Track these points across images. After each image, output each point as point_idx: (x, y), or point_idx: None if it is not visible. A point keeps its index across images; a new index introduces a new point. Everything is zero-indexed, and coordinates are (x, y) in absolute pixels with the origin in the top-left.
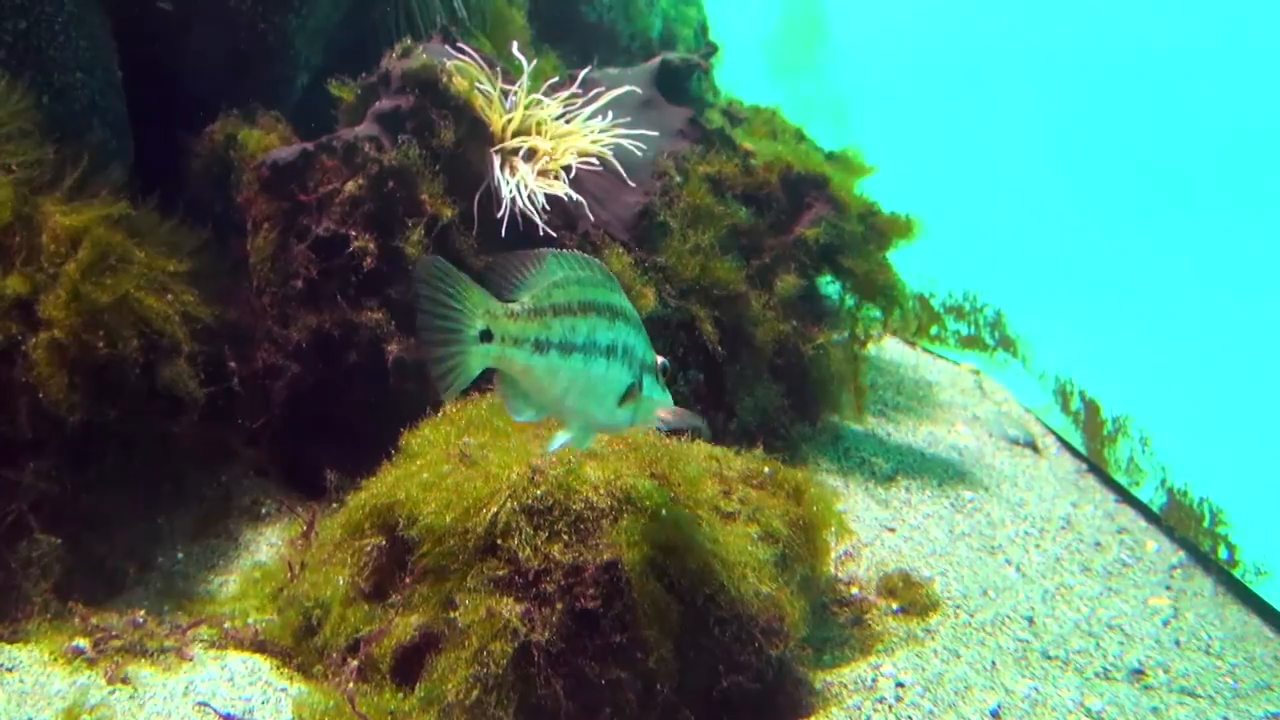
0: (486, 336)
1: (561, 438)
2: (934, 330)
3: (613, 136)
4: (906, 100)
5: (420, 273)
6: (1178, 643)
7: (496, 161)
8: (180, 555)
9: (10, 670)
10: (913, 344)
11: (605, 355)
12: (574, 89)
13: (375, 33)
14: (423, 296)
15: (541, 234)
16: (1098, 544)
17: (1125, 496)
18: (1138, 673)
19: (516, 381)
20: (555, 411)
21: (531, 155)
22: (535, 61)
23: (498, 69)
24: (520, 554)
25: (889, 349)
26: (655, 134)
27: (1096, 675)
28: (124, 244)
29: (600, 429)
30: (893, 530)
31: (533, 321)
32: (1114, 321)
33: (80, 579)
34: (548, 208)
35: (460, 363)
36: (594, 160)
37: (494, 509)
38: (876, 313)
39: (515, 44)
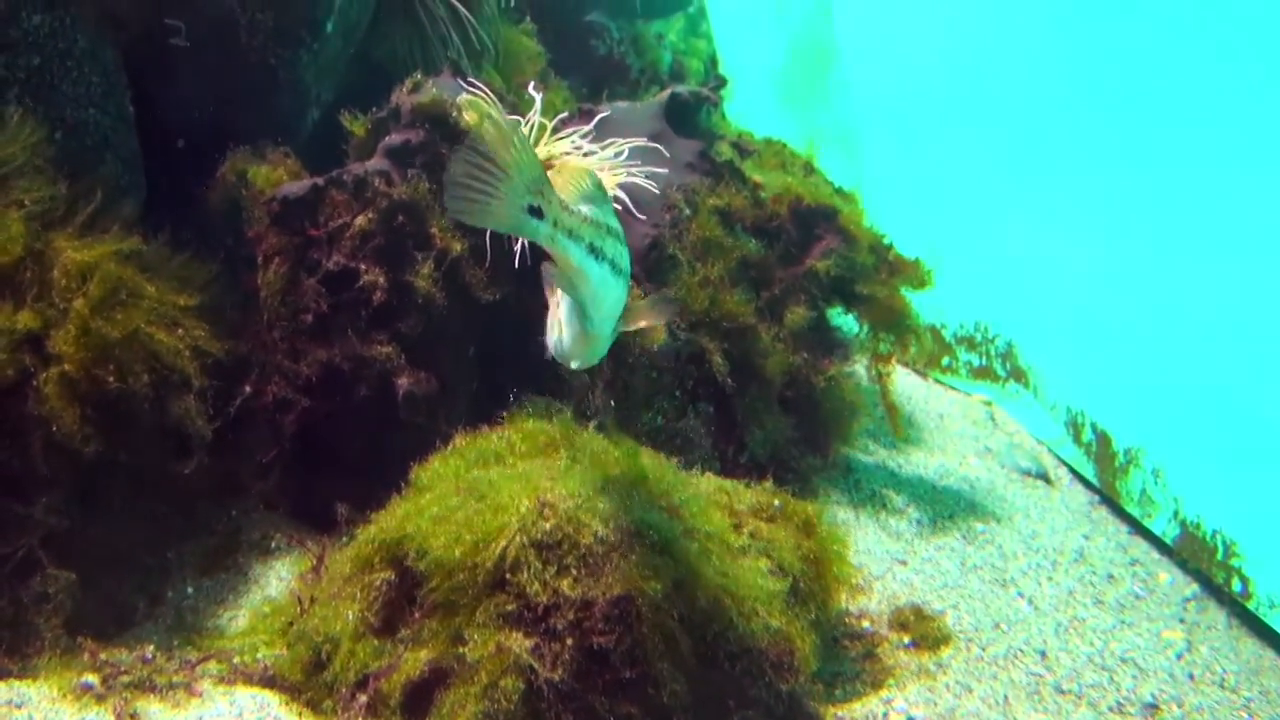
0: (535, 214)
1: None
2: (945, 361)
3: (626, 175)
4: (917, 129)
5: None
6: (1192, 676)
7: None
8: (190, 590)
9: (19, 707)
10: (924, 375)
11: (627, 277)
12: (588, 129)
13: (387, 66)
14: (464, 153)
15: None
16: (1110, 576)
17: (1138, 528)
18: (1152, 707)
19: (570, 284)
20: (587, 327)
21: None
22: (543, 94)
23: (507, 102)
24: (529, 589)
25: (900, 380)
26: (664, 170)
27: (1110, 710)
28: (135, 279)
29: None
30: (904, 563)
31: (589, 226)
32: (1126, 353)
33: (90, 614)
34: None
35: (497, 210)
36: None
37: (503, 543)
38: (891, 339)
39: (531, 83)
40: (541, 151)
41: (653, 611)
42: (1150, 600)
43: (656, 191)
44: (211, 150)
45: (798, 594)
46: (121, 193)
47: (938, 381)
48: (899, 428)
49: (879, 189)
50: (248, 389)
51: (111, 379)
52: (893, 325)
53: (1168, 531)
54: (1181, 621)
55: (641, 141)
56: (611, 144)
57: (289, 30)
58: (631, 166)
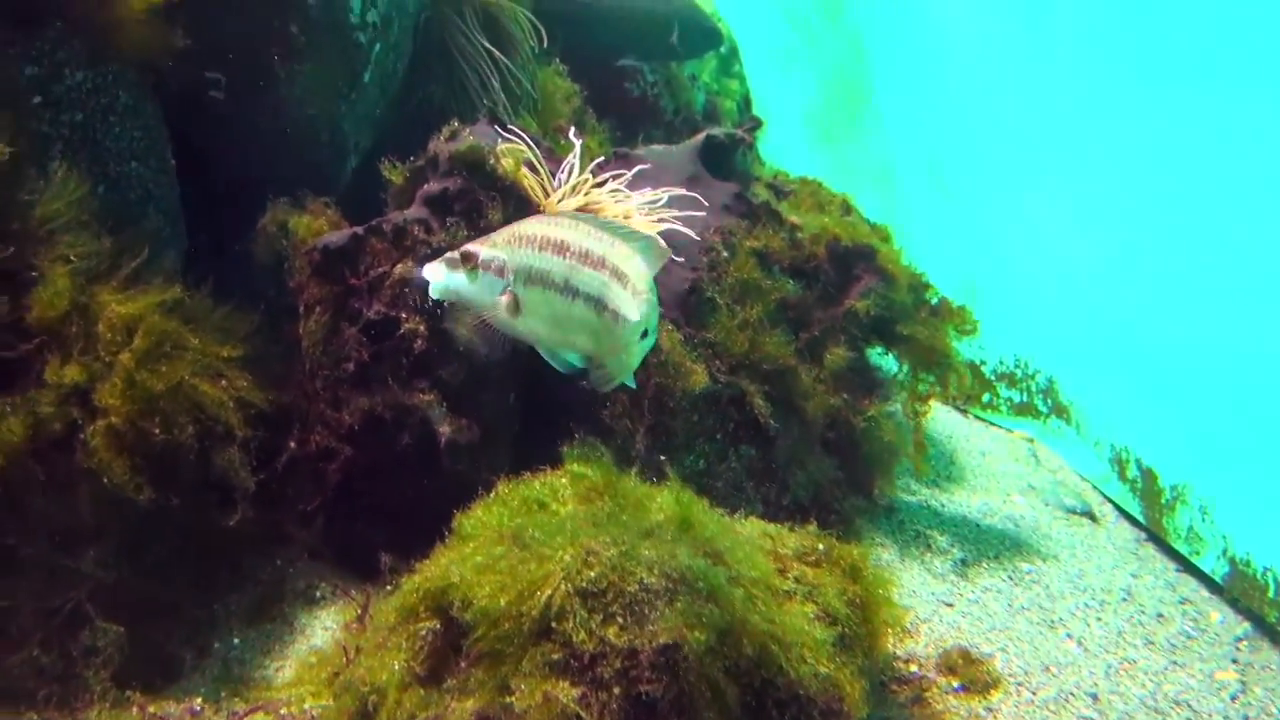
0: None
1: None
2: (986, 398)
3: (662, 221)
4: (952, 164)
5: None
6: (1246, 718)
7: None
8: (236, 641)
9: None
10: (965, 412)
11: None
12: (628, 176)
13: (424, 113)
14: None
15: None
16: (1160, 615)
17: (1186, 566)
18: None
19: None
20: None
21: None
22: (583, 139)
23: (543, 147)
24: (575, 637)
25: (941, 418)
26: (701, 213)
27: None
28: (178, 331)
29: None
30: (950, 605)
31: (657, 312)
32: (1170, 388)
33: (138, 666)
34: None
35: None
36: None
37: (548, 591)
38: (931, 379)
39: (572, 129)
40: (581, 199)
41: (699, 659)
42: (1202, 640)
43: (694, 235)
44: (252, 200)
45: (844, 639)
46: (164, 244)
47: (979, 418)
48: (922, 465)
49: (915, 224)
50: (292, 444)
51: (157, 431)
52: (933, 365)
53: (1217, 569)
54: (1234, 662)
55: (680, 191)
56: (648, 193)
57: (327, 81)
58: (669, 213)
